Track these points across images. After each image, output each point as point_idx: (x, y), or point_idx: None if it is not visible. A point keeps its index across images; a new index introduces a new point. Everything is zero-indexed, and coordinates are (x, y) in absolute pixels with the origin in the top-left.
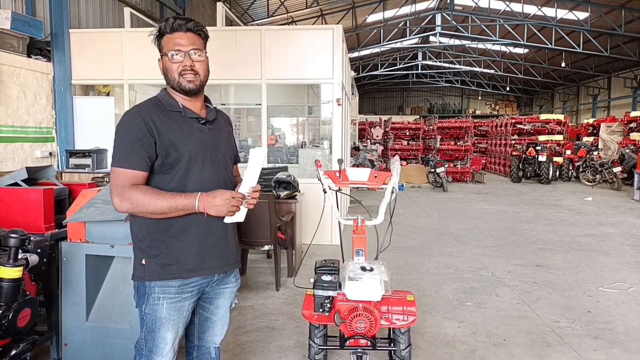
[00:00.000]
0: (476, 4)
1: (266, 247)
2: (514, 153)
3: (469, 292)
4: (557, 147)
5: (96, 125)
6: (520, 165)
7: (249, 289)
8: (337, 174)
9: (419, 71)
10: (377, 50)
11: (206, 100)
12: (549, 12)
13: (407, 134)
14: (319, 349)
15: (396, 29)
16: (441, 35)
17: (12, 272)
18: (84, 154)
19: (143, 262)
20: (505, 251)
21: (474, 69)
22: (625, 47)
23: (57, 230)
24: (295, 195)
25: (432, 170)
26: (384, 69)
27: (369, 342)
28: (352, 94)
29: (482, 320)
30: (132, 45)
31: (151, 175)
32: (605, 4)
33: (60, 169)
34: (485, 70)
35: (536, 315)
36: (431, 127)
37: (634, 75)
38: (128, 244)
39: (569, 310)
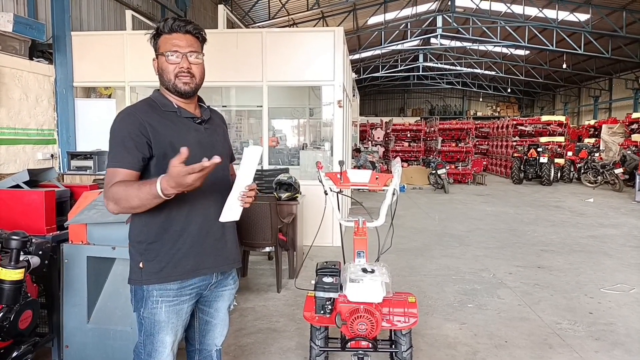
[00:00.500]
0: (477, 5)
1: (267, 249)
2: (515, 154)
3: (470, 293)
4: (559, 149)
5: (98, 128)
6: (522, 166)
7: (250, 290)
8: (338, 176)
9: (420, 73)
10: (378, 52)
11: (199, 100)
12: (550, 13)
13: (408, 135)
14: (320, 350)
15: (397, 31)
16: (442, 37)
17: (14, 274)
18: (86, 156)
19: (140, 265)
20: (507, 253)
21: (475, 70)
22: (627, 48)
23: (58, 232)
24: (297, 196)
25: (433, 171)
26: (385, 70)
27: (370, 344)
28: (353, 95)
29: (483, 321)
30: (134, 48)
31: (148, 177)
32: (607, 6)
33: (61, 171)
34: (486, 72)
35: (537, 316)
36: (432, 129)
37: (635, 77)
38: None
39: (570, 312)
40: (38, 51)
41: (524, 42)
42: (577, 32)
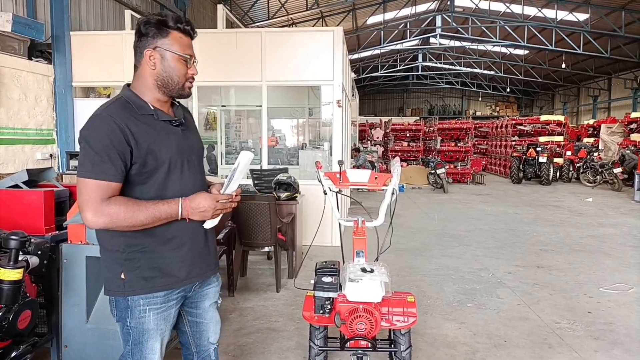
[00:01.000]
0: (476, 5)
1: (266, 249)
2: (514, 154)
3: (469, 293)
4: (558, 148)
5: None
6: (521, 166)
7: (249, 290)
8: (338, 176)
9: (420, 72)
10: (377, 51)
11: None
12: (549, 13)
13: (408, 135)
14: (320, 350)
15: (396, 31)
16: (441, 36)
17: (13, 274)
18: None
19: (122, 276)
20: (506, 252)
21: (475, 70)
22: (626, 48)
23: (57, 232)
24: (296, 196)
25: (433, 171)
26: (384, 70)
27: (369, 344)
28: (353, 95)
29: (482, 321)
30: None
31: (126, 186)
32: (606, 5)
33: (60, 171)
34: (485, 72)
35: (537, 316)
36: (431, 129)
37: (634, 77)
38: None
39: (569, 312)
40: (37, 51)
41: (523, 42)
42: (576, 31)
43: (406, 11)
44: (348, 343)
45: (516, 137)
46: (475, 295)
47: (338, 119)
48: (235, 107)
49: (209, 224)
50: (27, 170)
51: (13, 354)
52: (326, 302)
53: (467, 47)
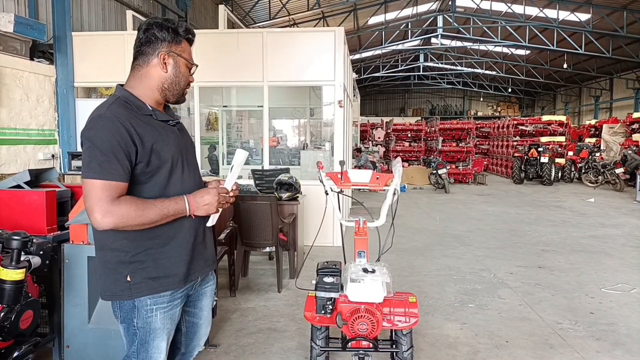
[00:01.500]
0: (478, 5)
1: (268, 249)
2: (515, 154)
3: (471, 293)
4: (559, 149)
5: None
6: (522, 166)
7: (251, 290)
8: (339, 176)
9: (421, 73)
10: (378, 52)
11: None
12: (551, 13)
13: (409, 135)
14: (321, 350)
15: (398, 31)
16: (443, 37)
17: (15, 274)
18: None
19: (128, 278)
20: (508, 253)
21: (476, 70)
22: (628, 48)
23: (59, 232)
24: (297, 196)
25: (434, 171)
26: (386, 70)
27: (371, 344)
28: (354, 95)
29: (484, 322)
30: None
31: (131, 186)
32: (607, 6)
33: (62, 171)
34: (487, 72)
35: (538, 316)
36: (433, 129)
37: (636, 77)
38: None
39: (571, 312)
40: (39, 51)
41: (525, 42)
42: (577, 31)
43: (407, 11)
44: (350, 343)
45: (518, 138)
46: (476, 296)
47: (339, 119)
48: (237, 107)
49: (211, 221)
50: (29, 170)
51: (15, 354)
52: (328, 303)
53: (469, 47)
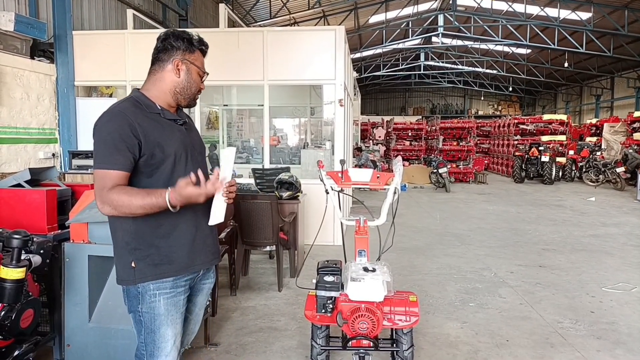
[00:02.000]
0: (478, 4)
1: (268, 248)
2: (516, 153)
3: (471, 292)
4: (560, 148)
5: None
6: (523, 165)
7: (251, 289)
8: (340, 175)
9: (422, 72)
10: (379, 51)
11: None
12: (552, 12)
13: (410, 134)
14: (321, 349)
15: (398, 30)
16: (443, 35)
17: (15, 273)
18: (87, 155)
19: (132, 264)
20: (508, 252)
21: (477, 69)
22: (629, 47)
23: (59, 231)
24: (298, 195)
25: (435, 170)
26: (387, 69)
27: (371, 343)
28: (355, 94)
29: (484, 321)
30: (135, 47)
31: (136, 178)
32: (608, 4)
33: (63, 170)
34: (487, 71)
35: (539, 315)
36: (433, 128)
37: (637, 76)
38: None
39: (572, 311)
40: (39, 50)
41: (526, 41)
42: (578, 30)
43: (408, 10)
44: (350, 342)
45: (518, 136)
46: (477, 295)
47: (340, 118)
48: (237, 106)
49: (213, 221)
50: (30, 169)
51: (15, 353)
52: (328, 302)
53: (469, 46)
